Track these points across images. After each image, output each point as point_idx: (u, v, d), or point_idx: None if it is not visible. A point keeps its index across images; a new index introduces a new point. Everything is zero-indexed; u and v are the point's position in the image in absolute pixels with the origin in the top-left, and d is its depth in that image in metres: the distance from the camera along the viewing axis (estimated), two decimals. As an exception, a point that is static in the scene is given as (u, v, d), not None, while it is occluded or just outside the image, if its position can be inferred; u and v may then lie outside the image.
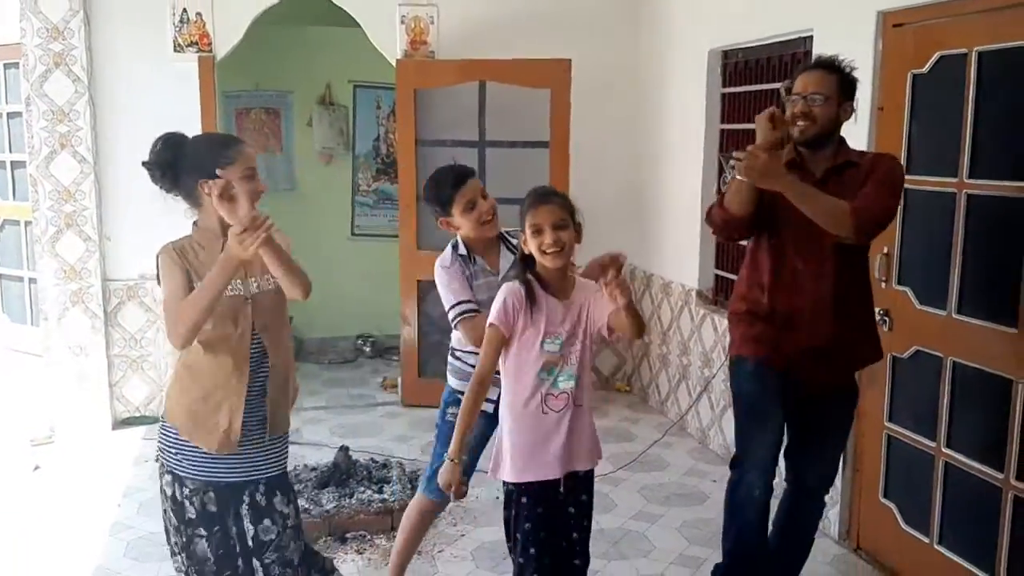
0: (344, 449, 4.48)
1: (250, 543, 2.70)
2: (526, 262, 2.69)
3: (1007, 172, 3.09)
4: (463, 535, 4.02)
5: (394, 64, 5.66)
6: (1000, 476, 3.13)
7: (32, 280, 6.55)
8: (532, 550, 2.71)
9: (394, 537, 3.89)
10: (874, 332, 3.17)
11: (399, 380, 6.03)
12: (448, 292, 3.06)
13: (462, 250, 3.11)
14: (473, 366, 2.92)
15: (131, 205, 5.37)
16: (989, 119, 3.17)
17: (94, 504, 4.41)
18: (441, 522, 4.09)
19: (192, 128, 5.13)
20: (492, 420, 3.03)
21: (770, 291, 3.09)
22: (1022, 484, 3.06)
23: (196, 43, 5.42)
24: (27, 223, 6.55)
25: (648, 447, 4.99)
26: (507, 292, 2.67)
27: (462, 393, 2.96)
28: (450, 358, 3.24)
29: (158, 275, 2.61)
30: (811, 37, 4.16)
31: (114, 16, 5.34)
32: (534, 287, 2.66)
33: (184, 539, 2.67)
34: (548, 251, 2.60)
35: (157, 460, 2.71)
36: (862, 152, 3.17)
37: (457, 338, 3.17)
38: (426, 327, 5.74)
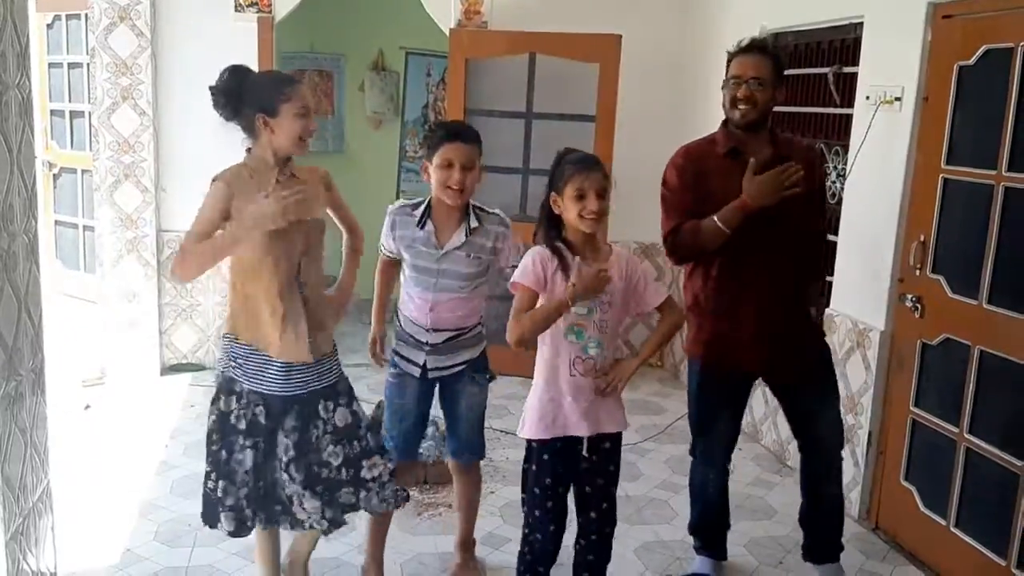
0: (380, 405, 4.62)
1: (286, 455, 2.86)
2: (554, 225, 2.76)
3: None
4: (492, 492, 4.17)
5: (447, 33, 5.75)
6: (1019, 464, 3.20)
7: (87, 228, 6.76)
8: (549, 503, 2.80)
9: (426, 489, 4.08)
10: (811, 324, 3.30)
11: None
12: (383, 232, 3.19)
13: (420, 209, 3.11)
14: (403, 327, 3.19)
15: (186, 159, 5.54)
16: (1031, 114, 3.21)
17: (141, 444, 4.61)
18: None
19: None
20: (425, 385, 3.21)
21: (716, 286, 3.18)
22: (1040, 472, 3.14)
23: (256, 3, 5.55)
24: (84, 171, 6.76)
25: (675, 420, 5.10)
26: (534, 253, 2.73)
27: (396, 353, 3.23)
28: (397, 312, 3.30)
29: None
30: (861, 24, 4.19)
31: (178, -26, 5.49)
32: (564, 252, 2.71)
33: (225, 452, 2.85)
34: (589, 217, 2.68)
35: (216, 376, 2.93)
36: (788, 139, 3.34)
37: (401, 293, 3.24)
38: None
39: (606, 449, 2.85)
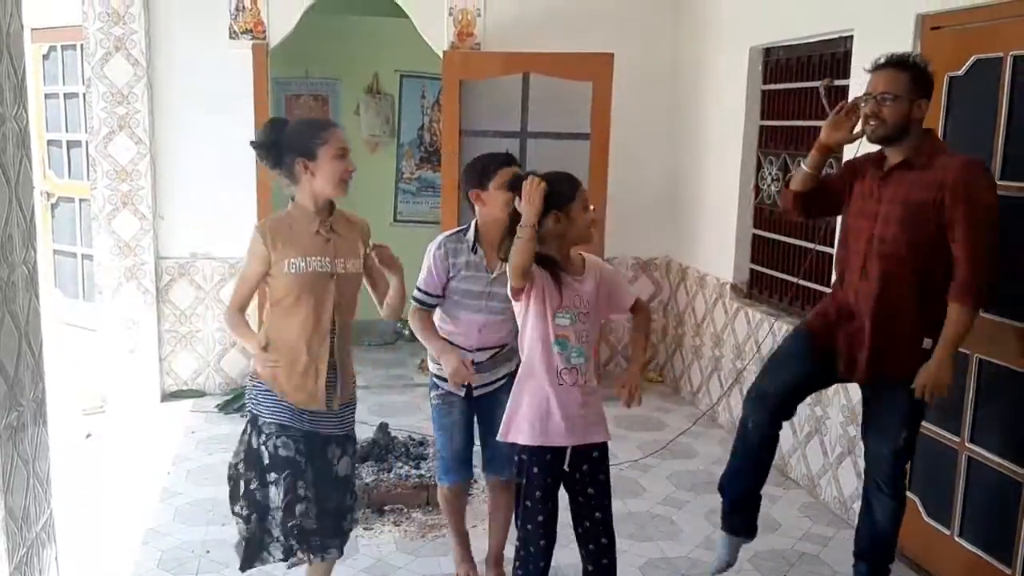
0: (383, 426, 4.64)
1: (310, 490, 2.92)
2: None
3: (1038, 175, 3.16)
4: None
5: (441, 55, 5.79)
6: (1021, 471, 3.20)
7: (85, 256, 6.76)
8: (540, 517, 2.86)
9: (429, 511, 4.07)
10: (916, 352, 3.08)
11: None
12: (424, 271, 3.24)
13: (471, 234, 3.21)
14: (453, 343, 3.22)
15: (184, 186, 5.59)
16: (1022, 123, 3.23)
17: (144, 471, 4.61)
18: (475, 499, 4.23)
19: (244, 113, 5.37)
20: (470, 403, 3.32)
21: (842, 278, 3.25)
22: (1042, 479, 3.14)
23: (251, 30, 5.59)
24: (81, 200, 6.77)
25: (677, 435, 5.10)
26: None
27: (437, 376, 3.30)
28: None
29: None
30: (851, 37, 4.22)
31: (173, 3, 5.53)
32: (549, 264, 2.80)
33: (253, 485, 2.88)
34: (594, 227, 2.84)
35: (243, 416, 3.05)
36: (936, 150, 3.07)
37: (435, 318, 3.30)
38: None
39: (594, 458, 2.92)
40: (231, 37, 5.61)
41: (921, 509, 3.71)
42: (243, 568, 2.97)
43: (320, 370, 2.88)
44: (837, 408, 4.20)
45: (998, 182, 3.24)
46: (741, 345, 5.23)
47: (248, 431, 2.93)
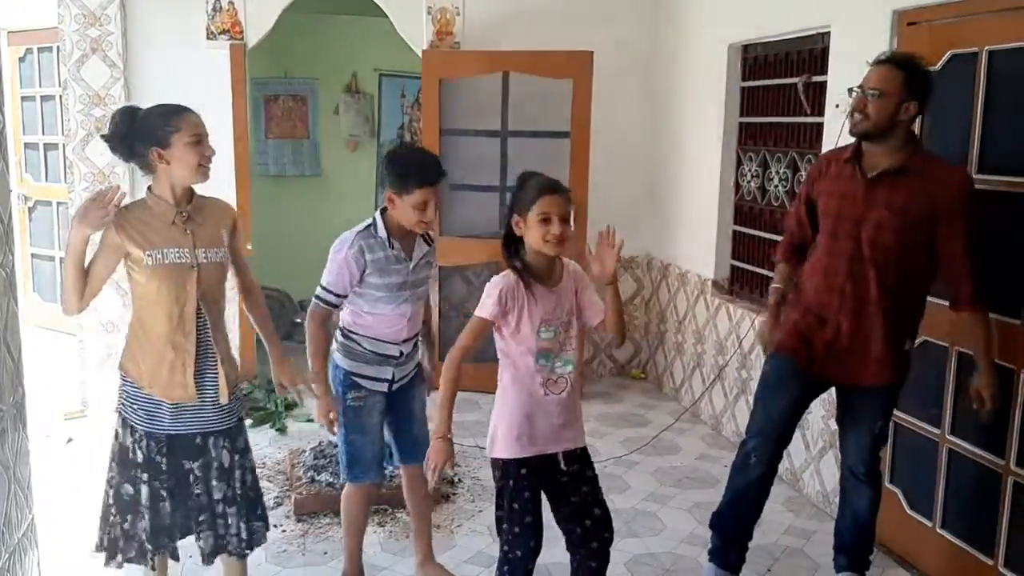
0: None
1: (192, 491, 2.95)
2: (514, 248, 2.77)
3: (1015, 168, 3.18)
4: (480, 511, 4.16)
5: (420, 54, 5.78)
6: (1001, 463, 3.23)
7: (63, 260, 6.72)
8: (528, 519, 2.78)
9: (407, 512, 4.05)
10: (897, 356, 3.18)
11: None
12: (330, 274, 3.10)
13: (382, 232, 3.11)
14: (366, 348, 3.17)
15: (163, 188, 5.54)
16: (998, 117, 3.26)
17: (125, 475, 4.56)
18: (460, 498, 4.24)
19: (222, 114, 5.34)
20: (388, 398, 3.26)
21: (807, 284, 3.27)
22: (1022, 470, 3.17)
23: (228, 31, 5.56)
24: (59, 204, 6.73)
25: (660, 432, 5.11)
26: (501, 284, 2.72)
27: (356, 375, 3.19)
28: (339, 336, 3.26)
29: None
30: (828, 33, 4.25)
31: (149, 4, 5.48)
32: (527, 277, 2.73)
33: (120, 479, 2.91)
34: (552, 240, 2.67)
35: (115, 409, 2.98)
36: (928, 158, 3.11)
37: (347, 318, 3.22)
38: (447, 312, 5.87)
39: (579, 457, 2.88)
40: (208, 38, 5.57)
41: (903, 501, 3.74)
42: (106, 555, 2.98)
43: (187, 363, 2.84)
44: (818, 402, 4.20)
45: (975, 176, 3.28)
46: (723, 341, 5.24)
47: (120, 426, 2.93)
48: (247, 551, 3.09)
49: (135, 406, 2.90)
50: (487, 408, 5.23)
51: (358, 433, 3.24)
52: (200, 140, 2.82)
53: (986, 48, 3.25)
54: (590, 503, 2.87)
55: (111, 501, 2.94)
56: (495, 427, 2.84)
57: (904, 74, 3.00)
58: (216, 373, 2.91)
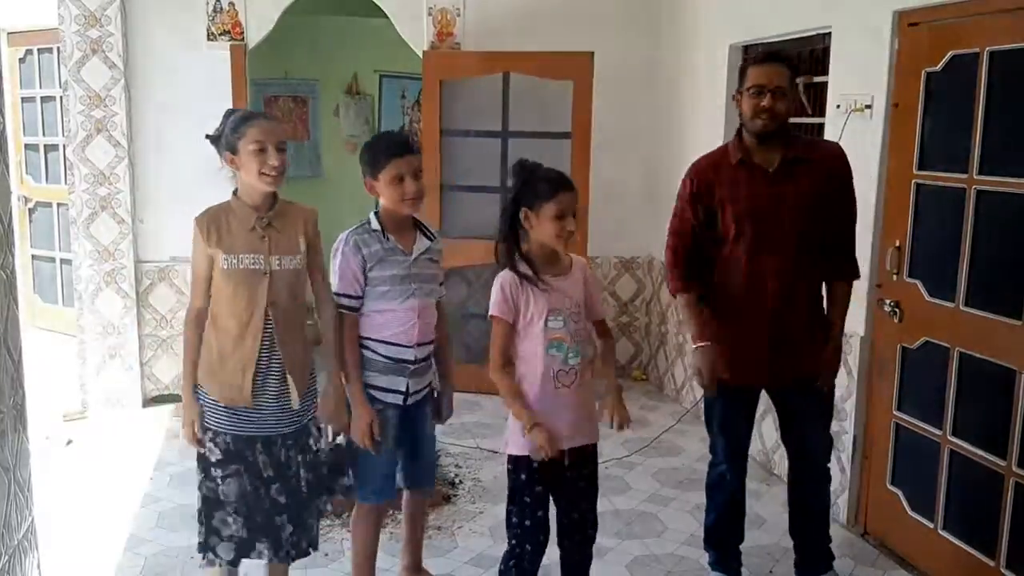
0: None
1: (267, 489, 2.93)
2: (515, 242, 2.80)
3: (1016, 169, 3.17)
4: (481, 512, 4.15)
5: (421, 55, 5.77)
6: (1003, 463, 3.23)
7: (63, 261, 6.72)
8: (540, 512, 2.85)
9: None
10: (824, 339, 3.27)
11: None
12: (337, 277, 3.05)
13: (375, 225, 3.08)
14: (380, 355, 3.06)
15: (163, 189, 5.54)
16: (999, 117, 3.25)
17: (126, 477, 4.57)
18: (460, 500, 4.23)
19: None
20: (406, 411, 3.13)
21: (729, 298, 3.25)
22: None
23: (229, 32, 5.56)
24: (59, 205, 6.73)
25: (661, 433, 5.11)
26: (502, 281, 2.79)
27: (369, 386, 3.06)
28: None
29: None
30: (829, 34, 4.24)
31: (150, 5, 5.48)
32: (527, 271, 2.77)
33: (210, 482, 2.91)
34: (566, 237, 2.73)
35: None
36: (809, 143, 3.30)
37: (360, 323, 3.12)
38: (452, 313, 5.85)
39: (585, 455, 2.91)
40: (209, 39, 5.57)
41: (905, 503, 3.73)
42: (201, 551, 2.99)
43: (247, 368, 2.83)
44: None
45: (975, 177, 3.28)
46: (724, 342, 5.23)
47: (201, 429, 2.93)
48: (306, 553, 3.07)
49: (207, 410, 2.90)
50: (487, 408, 5.27)
51: (371, 455, 3.08)
52: (264, 148, 2.79)
53: (987, 49, 3.24)
54: (582, 497, 2.94)
55: (203, 511, 2.95)
56: (511, 426, 2.87)
57: (790, 71, 3.14)
58: (278, 379, 2.88)
